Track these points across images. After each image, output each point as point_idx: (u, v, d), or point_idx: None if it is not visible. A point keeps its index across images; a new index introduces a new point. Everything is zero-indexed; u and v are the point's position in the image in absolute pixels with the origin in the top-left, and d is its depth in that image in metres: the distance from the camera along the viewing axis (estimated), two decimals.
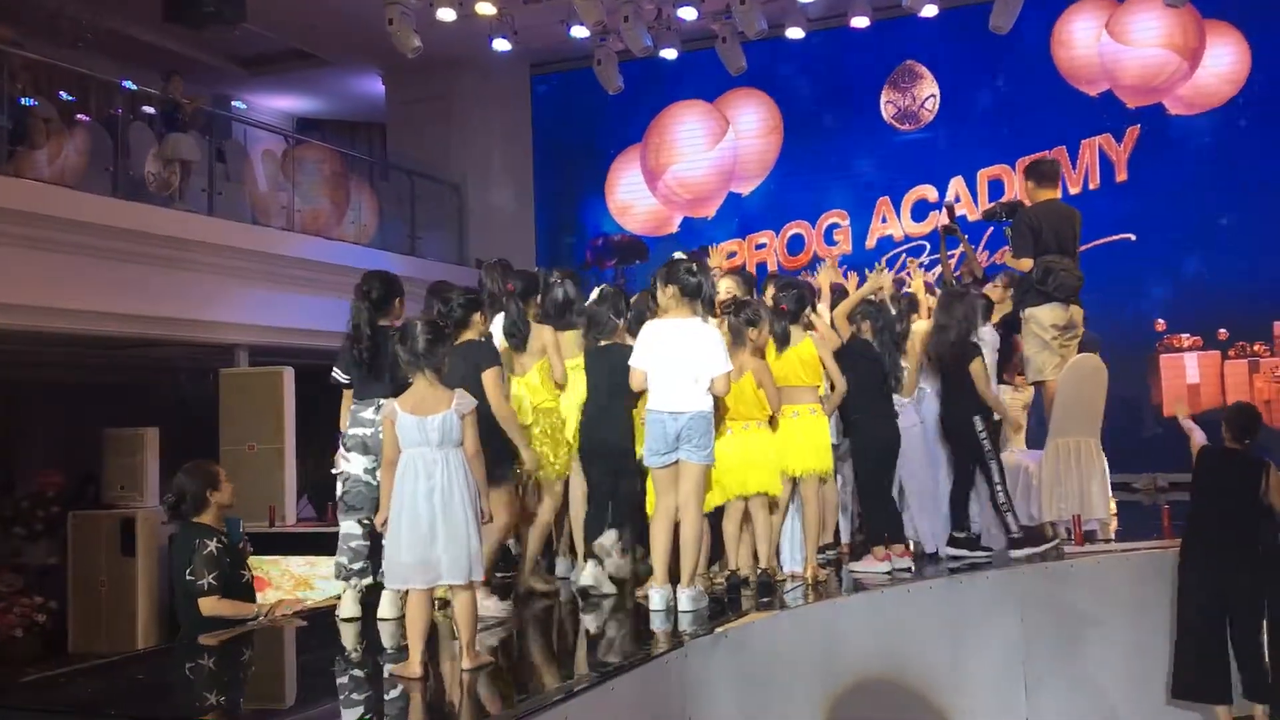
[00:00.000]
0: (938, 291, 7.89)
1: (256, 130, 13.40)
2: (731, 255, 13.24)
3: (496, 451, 5.07)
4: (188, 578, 5.47)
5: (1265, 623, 6.26)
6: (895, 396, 6.58)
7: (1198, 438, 6.66)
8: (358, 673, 4.84)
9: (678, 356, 5.21)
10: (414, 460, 4.24)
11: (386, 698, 4.35)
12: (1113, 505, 7.52)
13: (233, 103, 15.04)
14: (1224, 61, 11.68)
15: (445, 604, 4.88)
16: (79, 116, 10.70)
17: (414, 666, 4.26)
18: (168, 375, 13.24)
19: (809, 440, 5.92)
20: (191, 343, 11.22)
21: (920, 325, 7.03)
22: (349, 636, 5.28)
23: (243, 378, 11.13)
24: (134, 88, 11.09)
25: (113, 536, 10.15)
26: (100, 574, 10.14)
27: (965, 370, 6.65)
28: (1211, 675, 6.25)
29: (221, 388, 10.98)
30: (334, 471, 5.51)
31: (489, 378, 5.15)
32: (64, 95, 10.73)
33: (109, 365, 12.53)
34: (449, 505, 4.21)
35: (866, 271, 6.86)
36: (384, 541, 4.85)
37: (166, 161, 10.71)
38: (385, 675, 4.49)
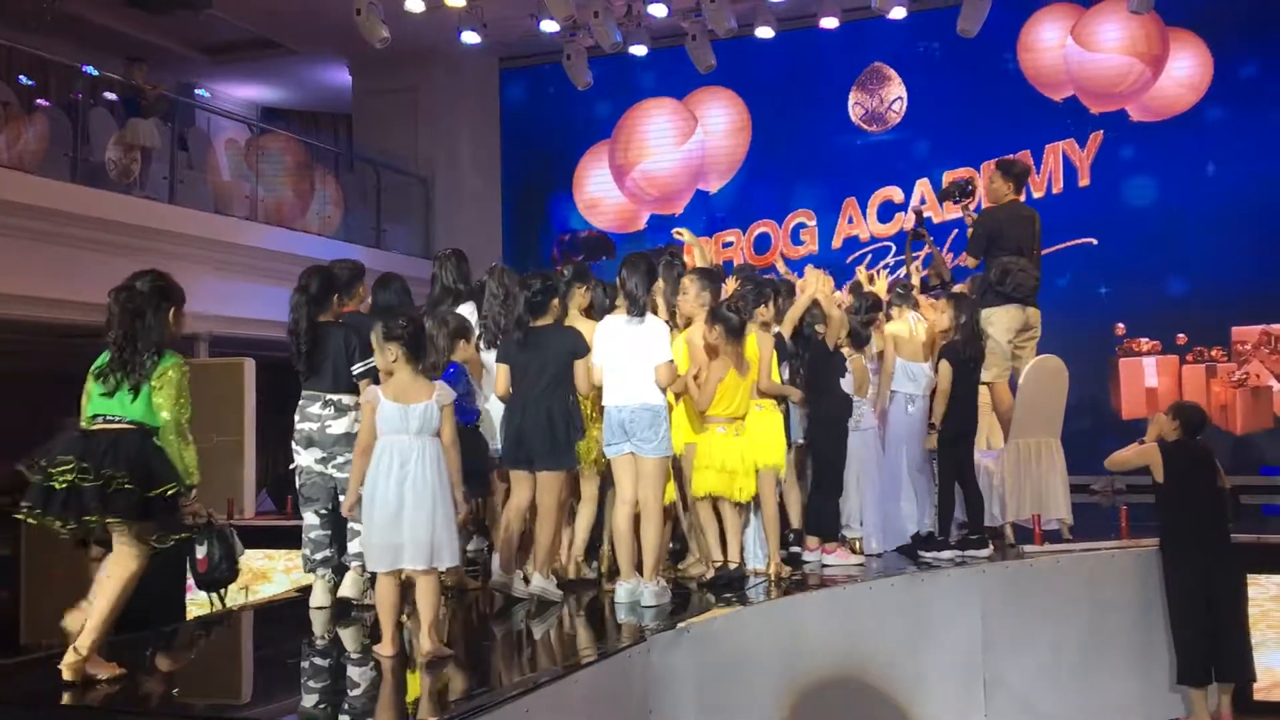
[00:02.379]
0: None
1: (220, 118, 13.25)
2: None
3: (575, 436, 5.36)
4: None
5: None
6: (856, 399, 6.62)
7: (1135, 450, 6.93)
8: (318, 664, 4.80)
9: (622, 351, 5.38)
10: (390, 447, 4.35)
11: (350, 692, 4.32)
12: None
13: (196, 90, 14.85)
14: (1186, 69, 11.82)
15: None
16: (39, 101, 10.54)
17: (387, 646, 4.38)
18: None
19: (763, 435, 5.95)
20: None
21: (894, 327, 6.98)
22: (311, 627, 5.24)
23: (202, 368, 10.98)
24: (95, 73, 10.93)
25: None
26: (54, 565, 9.98)
27: (979, 371, 6.80)
28: (1197, 660, 6.57)
29: None
30: (291, 467, 5.53)
31: (582, 365, 5.37)
32: (23, 79, 10.57)
33: (66, 353, 12.31)
34: (420, 492, 4.30)
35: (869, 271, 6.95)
36: (349, 524, 4.86)
37: (127, 148, 10.56)
38: (347, 666, 4.46)
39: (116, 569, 4.14)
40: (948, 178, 8.35)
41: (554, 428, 5.29)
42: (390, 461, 4.32)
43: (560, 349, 5.39)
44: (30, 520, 4.05)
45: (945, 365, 6.63)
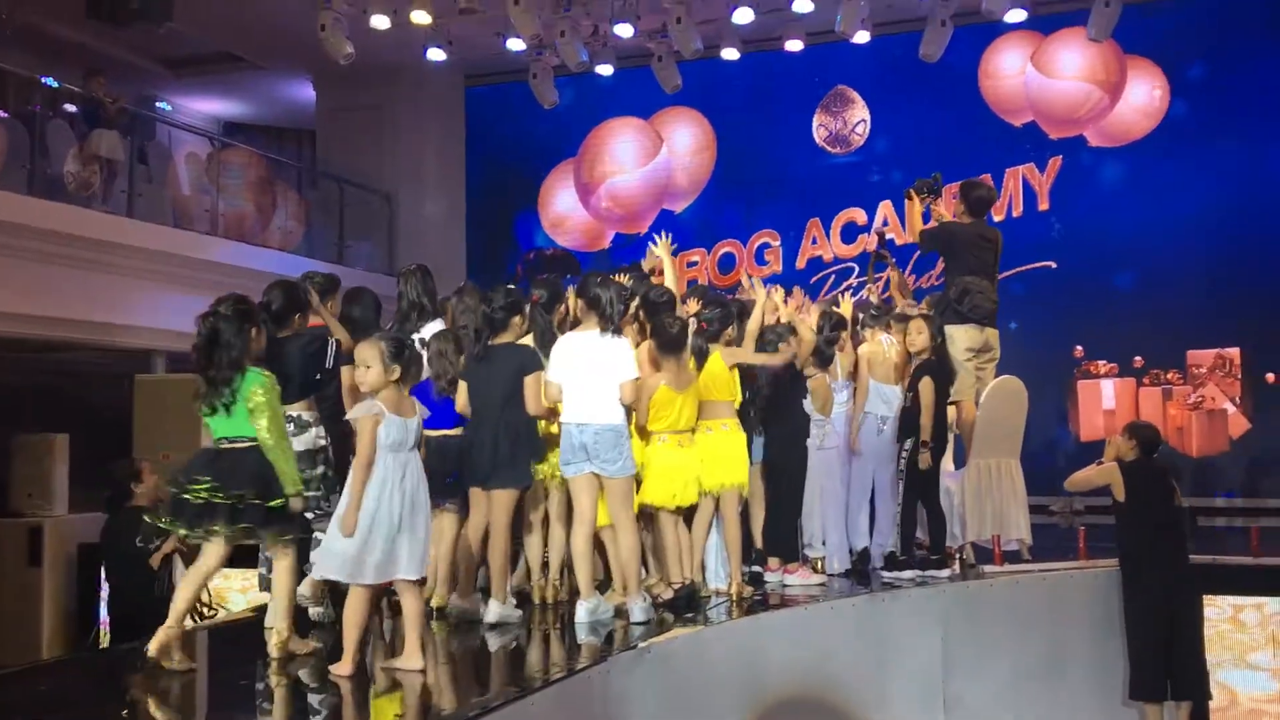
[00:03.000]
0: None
1: (181, 132, 13.12)
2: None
3: (525, 454, 5.33)
4: (138, 544, 7.17)
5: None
6: (819, 418, 6.63)
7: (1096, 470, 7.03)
8: (273, 686, 4.72)
9: (586, 369, 5.31)
10: (394, 460, 4.44)
11: (307, 715, 4.26)
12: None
13: (157, 104, 14.70)
14: (1143, 96, 12.01)
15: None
16: None
17: (347, 665, 4.39)
18: (80, 380, 12.86)
19: (727, 455, 5.94)
20: (107, 347, 10.93)
21: (867, 348, 6.99)
22: (267, 647, 5.14)
23: (159, 384, 10.83)
24: (55, 85, 10.80)
25: (19, 545, 9.81)
26: (5, 584, 9.79)
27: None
28: (1153, 676, 6.67)
29: (136, 394, 10.67)
30: None
31: (531, 382, 5.31)
32: None
33: (18, 368, 12.13)
34: (416, 504, 4.46)
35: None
36: (326, 537, 4.84)
37: (89, 159, 10.43)
38: (304, 687, 4.39)
39: (280, 563, 4.73)
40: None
41: (499, 446, 5.26)
42: (395, 475, 4.42)
43: (512, 367, 5.34)
44: (170, 529, 4.76)
45: (929, 381, 6.65)
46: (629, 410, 5.44)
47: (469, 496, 5.51)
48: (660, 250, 6.90)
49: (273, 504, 4.52)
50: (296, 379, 5.30)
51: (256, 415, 4.53)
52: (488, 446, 5.27)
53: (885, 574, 6.66)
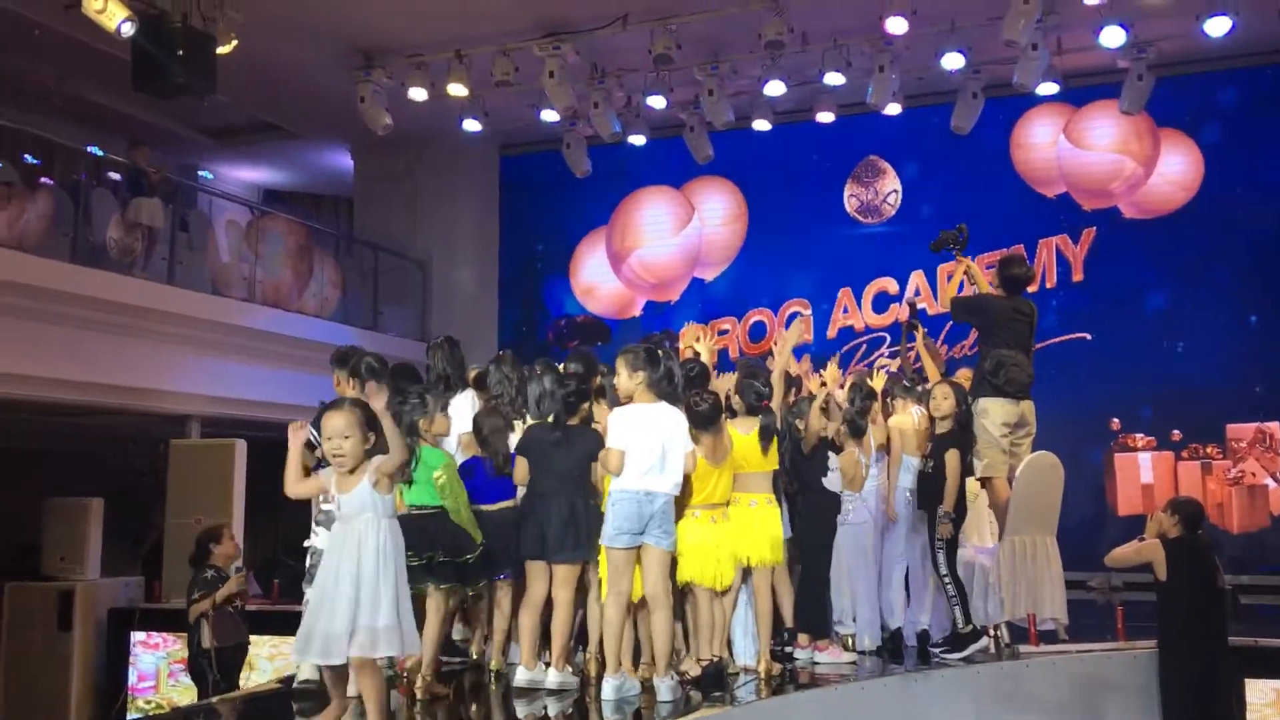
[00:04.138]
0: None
1: (222, 200, 13.36)
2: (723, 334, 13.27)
3: (591, 530, 5.44)
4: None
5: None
6: (847, 494, 6.56)
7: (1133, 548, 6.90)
8: None
9: (655, 439, 5.30)
10: None
11: None
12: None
13: (199, 172, 15.00)
14: (1177, 168, 11.98)
15: None
16: (42, 180, 10.63)
17: None
18: (115, 444, 12.98)
19: (763, 530, 5.89)
20: (144, 412, 11.04)
21: (898, 420, 6.94)
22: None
23: (193, 449, 10.92)
24: (100, 154, 11.05)
25: (50, 610, 9.84)
26: (35, 649, 9.81)
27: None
28: None
29: (171, 459, 10.76)
30: (305, 545, 5.53)
31: (598, 466, 5.53)
32: (28, 159, 10.66)
33: (54, 432, 12.28)
34: None
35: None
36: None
37: (131, 227, 10.63)
38: None
39: (433, 614, 5.21)
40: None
41: (573, 521, 5.36)
42: None
43: (585, 448, 5.48)
44: None
45: (955, 454, 6.58)
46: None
47: (525, 568, 5.56)
48: (702, 350, 6.85)
49: (462, 559, 5.13)
50: None
51: (443, 489, 5.12)
52: (555, 520, 5.35)
53: (949, 657, 6.52)
